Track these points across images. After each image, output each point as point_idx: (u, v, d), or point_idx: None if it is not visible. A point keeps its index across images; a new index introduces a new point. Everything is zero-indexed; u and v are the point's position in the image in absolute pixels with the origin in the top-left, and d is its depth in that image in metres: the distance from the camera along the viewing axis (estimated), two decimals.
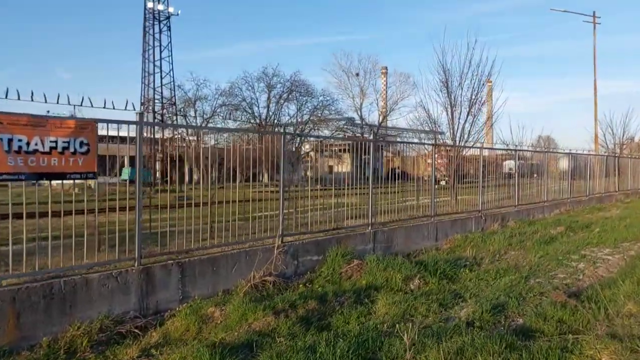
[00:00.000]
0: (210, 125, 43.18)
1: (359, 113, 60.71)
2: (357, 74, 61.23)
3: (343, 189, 9.56)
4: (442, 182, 18.49)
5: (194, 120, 47.56)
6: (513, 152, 15.07)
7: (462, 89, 20.28)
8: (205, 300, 6.00)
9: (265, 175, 11.28)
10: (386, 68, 72.57)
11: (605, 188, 20.22)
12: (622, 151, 34.27)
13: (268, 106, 53.34)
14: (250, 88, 52.24)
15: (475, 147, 14.10)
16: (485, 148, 14.54)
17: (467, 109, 20.51)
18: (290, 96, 54.50)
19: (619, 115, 40.51)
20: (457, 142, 20.69)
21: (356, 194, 9.78)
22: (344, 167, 13.81)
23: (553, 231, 11.87)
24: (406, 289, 7.07)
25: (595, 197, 18.77)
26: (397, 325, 5.13)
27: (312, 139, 33.55)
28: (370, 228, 8.96)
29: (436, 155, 27.71)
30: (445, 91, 21.07)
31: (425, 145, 14.59)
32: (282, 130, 8.93)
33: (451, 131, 20.48)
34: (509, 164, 20.76)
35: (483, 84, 20.15)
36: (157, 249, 6.02)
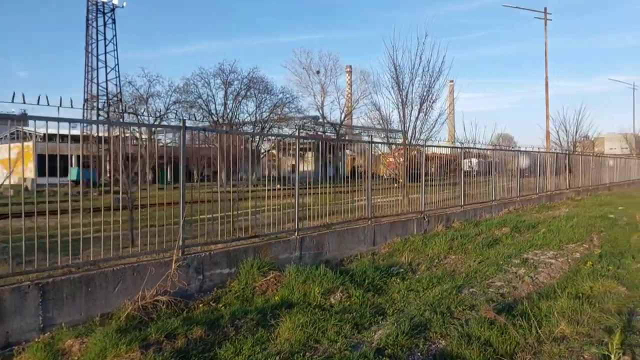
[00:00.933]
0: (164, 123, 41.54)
1: (321, 111, 59.97)
2: (318, 72, 60.36)
3: (301, 188, 8.88)
4: (401, 180, 18.01)
5: (148, 119, 45.76)
6: (460, 150, 14.51)
7: (413, 85, 19.80)
8: (72, 328, 4.98)
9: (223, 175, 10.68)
10: (350, 67, 71.98)
11: (556, 186, 20.09)
12: (576, 149, 34.80)
13: (225, 103, 51.95)
14: (206, 85, 50.74)
15: (418, 145, 13.44)
16: (428, 146, 13.93)
17: (419, 106, 20.07)
18: (248, 93, 53.25)
19: (573, 113, 41.20)
20: (409, 140, 20.23)
21: (311, 194, 9.10)
22: (307, 166, 13.75)
23: (498, 232, 11.33)
24: (325, 304, 6.22)
25: (546, 195, 18.55)
26: (295, 357, 4.31)
27: (272, 137, 32.60)
28: (297, 234, 8.08)
29: (397, 154, 27.36)
30: (396, 88, 20.55)
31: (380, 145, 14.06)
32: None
33: (402, 129, 19.99)
34: (470, 162, 20.45)
35: (434, 80, 19.69)
36: (9, 266, 4.93)
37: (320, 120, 60.12)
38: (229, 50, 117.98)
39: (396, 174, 23.59)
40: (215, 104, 51.78)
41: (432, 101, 19.92)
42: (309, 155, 15.72)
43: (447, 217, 12.26)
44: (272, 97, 55.41)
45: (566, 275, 7.69)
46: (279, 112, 55.50)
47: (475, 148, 14.31)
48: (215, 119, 51.39)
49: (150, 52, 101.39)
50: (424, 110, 20.20)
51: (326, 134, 56.21)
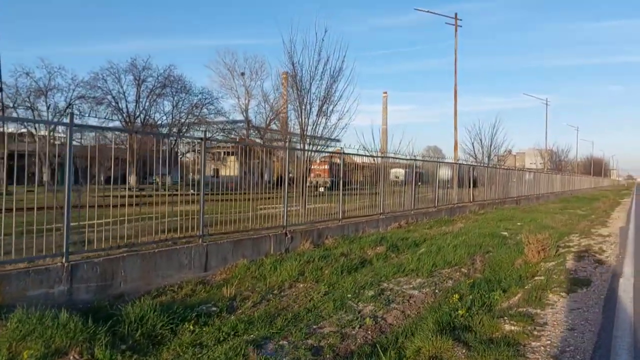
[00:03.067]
0: (64, 120, 37.67)
1: (245, 115, 57.41)
2: (243, 73, 57.89)
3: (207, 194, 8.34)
4: (321, 189, 16.27)
5: (47, 115, 41.20)
6: (339, 155, 12.86)
7: (311, 84, 18.16)
8: None
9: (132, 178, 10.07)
10: (287, 73, 69.80)
11: (459, 198, 19.09)
12: (491, 160, 34.84)
13: (137, 101, 48.23)
14: (116, 80, 46.85)
15: (277, 147, 11.61)
16: (295, 149, 12.19)
17: (318, 108, 18.45)
18: (163, 92, 49.93)
19: (488, 126, 41.66)
20: (309, 144, 18.52)
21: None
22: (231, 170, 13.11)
23: (370, 252, 9.67)
24: None
25: (446, 208, 17.40)
26: None
27: (196, 141, 29.77)
28: (64, 259, 5.84)
29: (319, 161, 25.72)
30: (295, 88, 18.83)
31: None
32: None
33: (301, 133, 18.26)
34: (396, 172, 18.96)
35: (335, 80, 18.14)
36: None
37: (247, 124, 57.56)
38: (146, 49, 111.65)
39: (324, 182, 21.94)
40: (126, 101, 48.04)
41: (332, 103, 18.45)
42: (231, 159, 14.69)
43: (318, 232, 10.46)
44: (190, 97, 52.48)
45: (420, 316, 6.03)
46: (198, 114, 52.59)
47: (352, 153, 12.68)
48: (126, 117, 47.66)
49: (57, 49, 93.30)
50: (326, 113, 18.68)
51: (250, 138, 53.78)
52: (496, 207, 22.28)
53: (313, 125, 18.03)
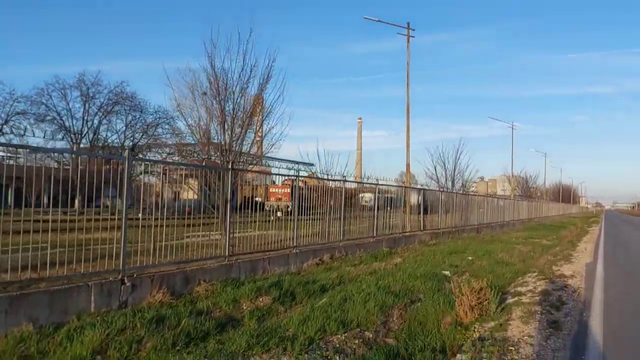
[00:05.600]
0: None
1: (206, 136, 54.36)
2: (205, 93, 55.34)
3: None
4: (279, 214, 13.89)
5: None
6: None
7: (234, 93, 15.63)
8: None
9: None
10: (263, 97, 67.63)
11: (405, 227, 16.58)
12: (454, 186, 32.69)
13: (84, 119, 44.93)
14: (62, 96, 43.53)
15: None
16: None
17: (241, 122, 15.88)
18: (114, 109, 46.79)
19: (452, 149, 39.73)
20: (230, 161, 15.99)
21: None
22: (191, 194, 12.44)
23: (247, 305, 6.96)
24: None
25: (388, 238, 14.85)
26: None
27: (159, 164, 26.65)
28: None
29: (280, 184, 23.51)
30: (215, 97, 16.21)
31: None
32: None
33: (220, 148, 15.64)
34: (365, 197, 16.61)
35: (262, 91, 15.70)
36: None
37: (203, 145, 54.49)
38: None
39: (285, 206, 19.90)
40: (72, 118, 44.68)
41: (259, 115, 15.99)
42: (191, 182, 13.81)
43: (185, 277, 7.69)
44: (144, 115, 49.46)
45: None
46: (151, 133, 49.55)
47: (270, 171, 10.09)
48: (72, 135, 44.27)
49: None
50: (252, 127, 16.19)
51: (208, 160, 50.77)
52: (452, 237, 19.87)
53: (237, 139, 15.54)
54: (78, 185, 7.47)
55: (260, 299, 7.28)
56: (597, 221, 52.48)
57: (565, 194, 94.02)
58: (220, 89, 15.94)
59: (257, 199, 14.82)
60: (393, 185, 16.19)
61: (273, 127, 15.66)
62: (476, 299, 6.61)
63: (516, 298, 8.03)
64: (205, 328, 5.83)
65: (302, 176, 16.07)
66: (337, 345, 5.68)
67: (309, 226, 11.75)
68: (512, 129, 51.65)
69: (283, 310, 7.11)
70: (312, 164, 20.85)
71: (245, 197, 15.06)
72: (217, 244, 8.80)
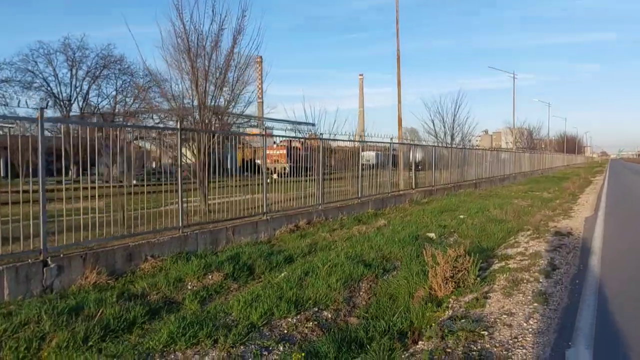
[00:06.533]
0: None
1: (202, 98, 52.90)
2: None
3: None
4: (275, 176, 13.13)
5: None
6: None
7: (205, 48, 14.41)
8: None
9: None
10: (261, 57, 65.52)
11: (394, 185, 15.62)
12: (454, 140, 31.46)
13: (72, 84, 43.52)
14: (47, 62, 41.97)
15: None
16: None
17: (215, 79, 14.72)
18: (102, 73, 45.23)
19: (450, 101, 38.16)
20: (208, 123, 14.98)
21: None
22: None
23: (192, 284, 6.12)
24: None
25: (375, 199, 13.93)
26: None
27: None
28: None
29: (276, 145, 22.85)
30: (186, 53, 14.96)
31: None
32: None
33: (199, 110, 14.56)
34: (367, 156, 15.71)
35: (237, 43, 14.44)
36: None
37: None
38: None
39: (282, 167, 19.25)
40: (59, 85, 43.30)
41: (238, 71, 14.82)
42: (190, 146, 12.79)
43: (128, 254, 6.83)
44: (134, 79, 47.87)
45: None
46: (142, 97, 48.08)
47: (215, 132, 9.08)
48: (60, 102, 43.03)
49: None
50: (229, 85, 15.04)
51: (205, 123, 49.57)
52: (447, 193, 18.95)
53: (212, 95, 14.46)
54: None
55: (210, 276, 6.44)
56: (602, 171, 51.32)
57: (570, 144, 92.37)
58: (190, 44, 14.68)
59: (258, 161, 13.97)
60: (380, 143, 15.09)
61: (249, 84, 14.60)
62: (451, 269, 5.71)
63: (503, 263, 7.14)
64: (131, 316, 4.99)
65: (275, 135, 14.91)
66: (286, 332, 4.85)
67: (289, 189, 10.86)
68: (514, 78, 49.72)
69: (236, 288, 6.28)
70: (313, 124, 19.87)
71: (245, 160, 14.34)
72: (171, 214, 7.88)
